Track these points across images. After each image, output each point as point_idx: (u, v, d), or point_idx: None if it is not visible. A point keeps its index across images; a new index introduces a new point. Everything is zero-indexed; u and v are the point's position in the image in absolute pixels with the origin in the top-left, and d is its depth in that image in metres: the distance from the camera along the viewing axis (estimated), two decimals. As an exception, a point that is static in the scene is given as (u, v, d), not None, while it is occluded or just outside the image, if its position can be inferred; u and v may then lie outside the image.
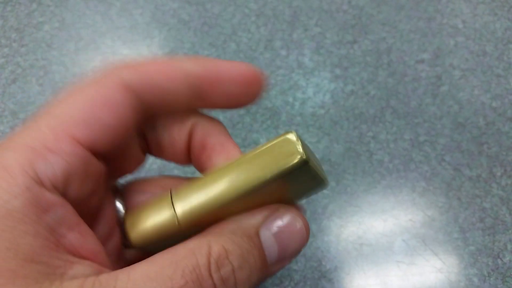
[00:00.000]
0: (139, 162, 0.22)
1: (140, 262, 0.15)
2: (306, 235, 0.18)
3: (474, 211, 0.32)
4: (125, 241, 0.22)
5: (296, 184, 0.16)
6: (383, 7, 0.41)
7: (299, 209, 0.18)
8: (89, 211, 0.18)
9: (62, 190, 0.15)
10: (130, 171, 0.22)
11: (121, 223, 0.21)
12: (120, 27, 0.40)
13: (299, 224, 0.17)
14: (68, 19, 0.40)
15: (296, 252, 0.18)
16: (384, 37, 0.39)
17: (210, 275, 0.15)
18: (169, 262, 0.15)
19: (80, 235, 0.16)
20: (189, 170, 0.33)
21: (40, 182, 0.14)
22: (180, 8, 0.41)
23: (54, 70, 0.38)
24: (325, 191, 0.32)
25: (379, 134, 0.35)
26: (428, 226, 0.31)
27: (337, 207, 0.31)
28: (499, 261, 0.30)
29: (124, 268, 0.14)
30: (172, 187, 0.23)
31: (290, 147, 0.15)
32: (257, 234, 0.16)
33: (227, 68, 0.18)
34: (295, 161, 0.14)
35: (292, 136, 0.15)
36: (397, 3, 0.41)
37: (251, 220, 0.17)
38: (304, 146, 0.15)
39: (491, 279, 0.30)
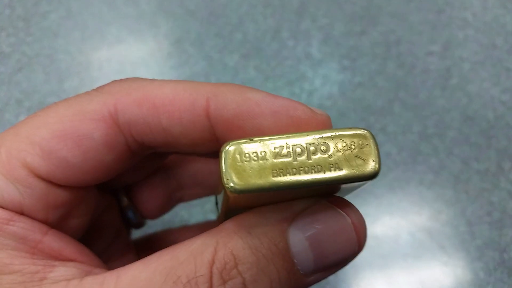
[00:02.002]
0: (148, 170, 0.20)
1: (135, 263, 0.13)
2: (357, 238, 0.13)
3: (482, 204, 0.31)
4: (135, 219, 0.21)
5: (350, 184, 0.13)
6: (392, -1, 0.40)
7: (347, 203, 0.14)
8: (75, 227, 0.16)
9: (19, 212, 0.14)
10: (138, 179, 0.20)
11: (127, 218, 0.21)
12: (126, 17, 0.40)
13: (345, 223, 0.13)
14: (75, 8, 0.40)
15: (343, 260, 0.13)
16: (393, 28, 0.39)
17: None
18: (163, 267, 0.12)
19: (57, 237, 0.15)
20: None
21: None
22: (186, -2, 0.40)
23: (60, 59, 0.38)
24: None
25: (387, 126, 0.34)
26: (435, 219, 0.31)
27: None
28: (505, 255, 0.30)
29: (114, 270, 0.13)
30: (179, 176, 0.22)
31: (365, 150, 0.12)
32: (284, 235, 0.13)
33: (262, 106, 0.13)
34: (370, 170, 0.12)
35: (369, 136, 0.12)
36: (406, -5, 0.40)
37: (277, 216, 0.13)
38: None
39: (497, 273, 0.29)
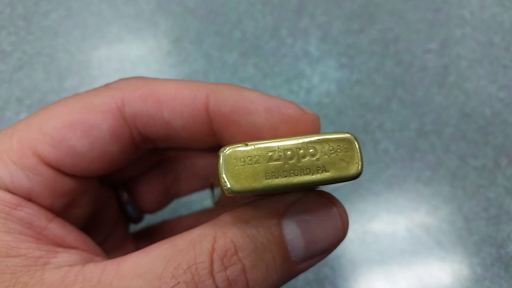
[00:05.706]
0: (147, 164, 0.21)
1: (135, 252, 0.13)
2: (342, 226, 0.15)
3: (479, 201, 0.32)
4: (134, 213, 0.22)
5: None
6: (390, -3, 0.40)
7: (332, 196, 0.15)
8: (77, 216, 0.17)
9: (27, 198, 0.15)
10: (137, 172, 0.21)
11: (126, 213, 0.22)
12: (126, 15, 0.40)
13: (332, 212, 0.14)
14: (75, 8, 0.40)
15: (330, 247, 0.15)
16: (391, 26, 0.39)
17: (212, 275, 0.12)
18: (164, 255, 0.13)
19: (62, 225, 0.15)
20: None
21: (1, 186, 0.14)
22: (186, -3, 0.41)
23: (60, 57, 0.38)
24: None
25: (385, 123, 0.35)
26: (432, 215, 0.31)
27: (341, 196, 0.32)
28: (502, 251, 0.30)
29: (115, 259, 0.13)
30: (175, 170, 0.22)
31: (350, 153, 0.13)
32: (278, 224, 0.13)
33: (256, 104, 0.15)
34: (353, 172, 0.13)
35: (353, 140, 0.13)
36: (404, -7, 0.41)
37: (271, 207, 0.14)
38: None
39: (494, 268, 0.30)
